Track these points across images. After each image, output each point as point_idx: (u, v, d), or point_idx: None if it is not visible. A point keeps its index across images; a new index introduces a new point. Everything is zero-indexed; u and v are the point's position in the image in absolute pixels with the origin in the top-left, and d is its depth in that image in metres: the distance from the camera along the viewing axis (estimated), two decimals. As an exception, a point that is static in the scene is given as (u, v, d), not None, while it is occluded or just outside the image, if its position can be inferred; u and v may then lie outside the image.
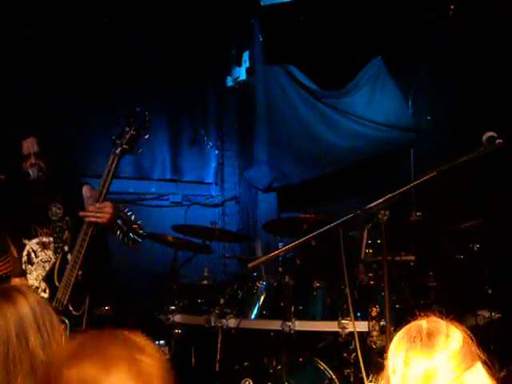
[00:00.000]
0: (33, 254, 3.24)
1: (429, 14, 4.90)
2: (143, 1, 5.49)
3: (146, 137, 3.01)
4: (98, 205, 2.96)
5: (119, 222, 3.07)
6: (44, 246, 3.23)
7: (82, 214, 3.00)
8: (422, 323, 1.43)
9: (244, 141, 6.33)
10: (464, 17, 4.82)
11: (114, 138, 3.00)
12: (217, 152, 6.36)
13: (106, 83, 5.50)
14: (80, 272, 2.97)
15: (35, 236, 3.25)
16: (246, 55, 6.02)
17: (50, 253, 3.22)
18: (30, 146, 3.16)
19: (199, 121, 6.27)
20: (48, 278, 3.13)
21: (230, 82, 6.16)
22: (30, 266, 3.24)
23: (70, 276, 2.97)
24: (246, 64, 6.01)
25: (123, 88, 5.59)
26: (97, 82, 5.44)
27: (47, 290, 3.12)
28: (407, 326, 1.46)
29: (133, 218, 3.17)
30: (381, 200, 2.62)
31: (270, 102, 5.86)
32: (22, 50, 5.12)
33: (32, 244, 3.24)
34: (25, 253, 3.24)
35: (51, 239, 3.22)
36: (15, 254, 3.30)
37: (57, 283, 3.06)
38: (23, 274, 3.29)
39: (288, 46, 5.61)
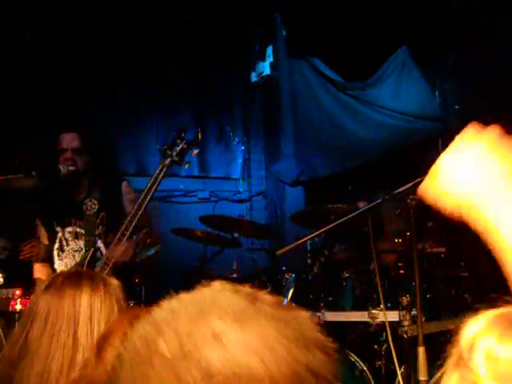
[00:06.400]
0: (64, 242, 3.31)
1: (453, 1, 4.82)
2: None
3: (196, 152, 3.09)
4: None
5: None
6: (76, 235, 3.30)
7: None
8: None
9: (270, 136, 6.32)
10: (491, 3, 4.72)
11: (164, 148, 3.05)
12: (243, 148, 6.37)
13: (139, 83, 5.66)
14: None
15: (69, 225, 3.31)
16: (269, 50, 6.01)
17: (81, 243, 3.29)
18: (69, 140, 3.22)
19: (225, 117, 6.30)
20: None
21: (254, 77, 6.17)
22: (61, 253, 3.32)
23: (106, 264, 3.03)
24: (269, 59, 6.01)
25: (152, 88, 5.71)
26: (133, 83, 5.59)
27: None
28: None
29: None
30: (409, 184, 2.58)
31: (295, 95, 5.84)
32: (64, 52, 5.27)
33: (65, 232, 3.31)
34: (57, 240, 3.32)
35: (83, 232, 3.28)
36: (45, 240, 3.39)
37: None
38: (48, 260, 3.37)
39: (311, 39, 5.58)
